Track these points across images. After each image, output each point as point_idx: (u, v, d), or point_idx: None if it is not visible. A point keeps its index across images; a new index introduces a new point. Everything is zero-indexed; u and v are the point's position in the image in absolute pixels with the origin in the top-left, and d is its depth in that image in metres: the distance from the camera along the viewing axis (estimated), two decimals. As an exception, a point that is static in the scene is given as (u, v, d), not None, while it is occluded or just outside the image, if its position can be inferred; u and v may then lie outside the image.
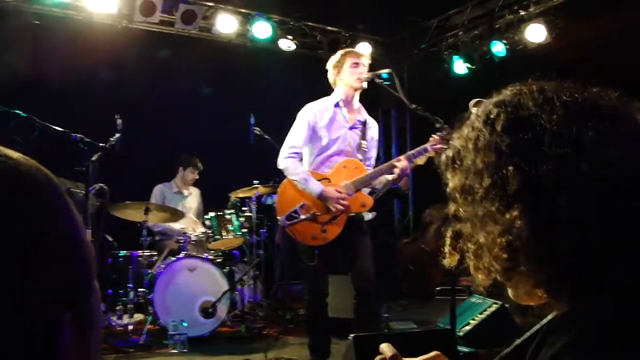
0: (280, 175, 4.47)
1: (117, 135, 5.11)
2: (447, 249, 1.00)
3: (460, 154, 0.94)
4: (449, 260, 1.01)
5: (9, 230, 0.60)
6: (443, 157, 1.00)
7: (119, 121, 5.34)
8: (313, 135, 4.29)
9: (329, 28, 8.20)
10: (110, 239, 5.94)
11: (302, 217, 4.13)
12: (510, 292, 0.93)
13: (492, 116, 0.91)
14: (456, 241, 0.97)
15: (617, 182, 0.79)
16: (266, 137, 6.10)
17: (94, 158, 4.81)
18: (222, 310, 5.54)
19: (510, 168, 0.84)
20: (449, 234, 0.99)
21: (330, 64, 4.42)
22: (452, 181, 0.96)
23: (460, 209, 0.94)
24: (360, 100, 4.45)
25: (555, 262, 0.82)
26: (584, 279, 0.81)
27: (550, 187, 0.81)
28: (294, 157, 4.24)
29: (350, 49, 4.57)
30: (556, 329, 0.82)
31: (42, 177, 0.67)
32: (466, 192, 0.92)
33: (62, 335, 0.62)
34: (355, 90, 4.33)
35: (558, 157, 0.81)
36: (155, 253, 5.97)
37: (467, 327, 4.26)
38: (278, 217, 4.25)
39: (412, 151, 4.19)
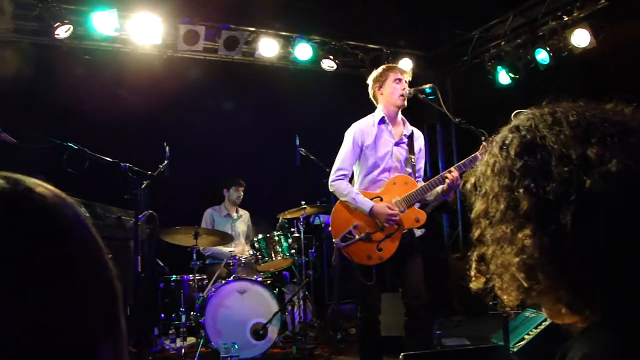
0: (327, 195, 4.48)
1: (165, 162, 5.22)
2: (472, 272, 1.03)
3: (481, 180, 0.98)
4: (475, 284, 1.04)
5: (25, 258, 0.62)
6: (468, 184, 1.03)
7: (167, 149, 5.45)
8: (361, 154, 4.30)
9: (370, 46, 8.22)
10: (161, 264, 6.04)
11: (357, 237, 4.13)
12: (544, 312, 0.95)
13: (507, 142, 0.95)
14: (480, 264, 1.01)
15: (622, 194, 0.80)
16: (312, 157, 6.13)
17: (143, 186, 4.92)
18: (273, 332, 5.55)
19: (521, 190, 0.88)
20: (474, 257, 1.02)
21: (371, 78, 4.41)
22: (475, 206, 1.00)
23: (483, 233, 0.98)
24: (405, 116, 4.44)
25: (567, 277, 0.83)
26: (597, 291, 0.81)
27: (556, 205, 0.83)
28: (343, 179, 4.26)
29: (393, 65, 4.55)
30: (575, 343, 0.82)
31: (70, 211, 0.69)
32: (486, 216, 0.96)
33: (103, 356, 0.64)
34: (398, 106, 4.32)
35: (563, 175, 0.84)
36: (206, 277, 6.05)
37: (522, 342, 4.15)
38: (333, 240, 4.25)
39: (463, 161, 4.14)
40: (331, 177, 4.29)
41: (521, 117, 0.97)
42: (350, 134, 4.33)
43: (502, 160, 0.93)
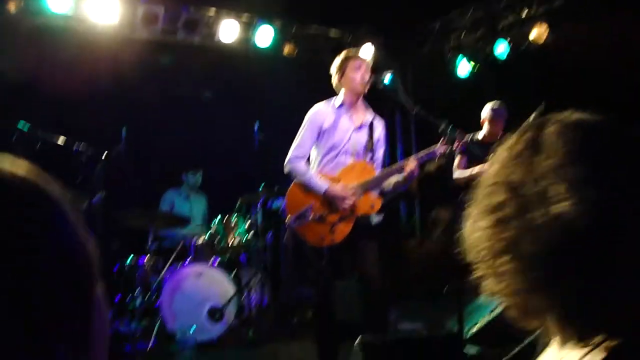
0: (285, 180, 4.49)
1: (122, 144, 5.14)
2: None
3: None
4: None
5: None
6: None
7: (123, 130, 5.37)
8: (319, 137, 4.31)
9: (331, 32, 8.20)
10: (116, 246, 5.95)
11: (310, 218, 4.15)
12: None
13: (523, 130, 0.95)
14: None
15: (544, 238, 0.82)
16: (270, 142, 6.12)
17: (98, 167, 4.84)
18: (230, 315, 5.55)
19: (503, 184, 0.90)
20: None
21: (333, 69, 4.44)
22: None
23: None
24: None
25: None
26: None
27: (507, 219, 0.87)
28: (300, 160, 4.27)
29: (352, 52, 4.55)
30: None
31: (36, 188, 0.65)
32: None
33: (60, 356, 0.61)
34: (358, 94, 4.34)
35: (525, 195, 0.85)
36: (161, 259, 5.98)
37: (475, 328, 4.25)
38: (286, 219, 4.27)
39: (421, 153, 4.20)
40: (287, 158, 4.30)
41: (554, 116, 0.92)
42: (309, 116, 4.35)
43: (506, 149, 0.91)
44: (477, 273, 0.93)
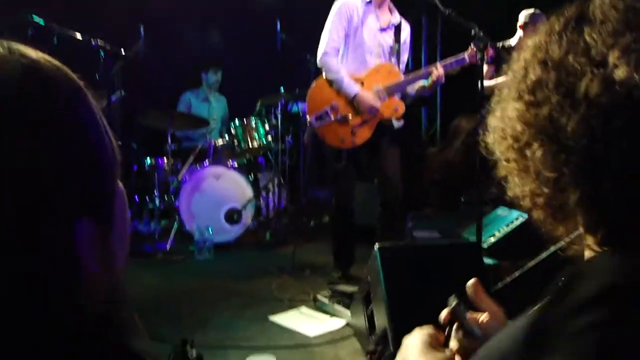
0: (306, 82, 4.37)
1: (140, 42, 5.01)
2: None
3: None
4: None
5: (18, 126, 0.56)
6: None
7: (142, 28, 5.22)
8: (347, 32, 4.15)
9: None
10: (135, 146, 5.95)
11: (332, 118, 4.06)
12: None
13: (567, 10, 0.80)
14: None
15: (610, 103, 0.66)
16: (292, 43, 5.97)
17: (116, 65, 4.74)
18: (247, 217, 5.60)
19: (536, 61, 0.76)
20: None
21: None
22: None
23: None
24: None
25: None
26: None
27: (547, 93, 0.72)
28: (332, 55, 4.11)
29: None
30: (588, 271, 0.69)
31: (60, 75, 0.64)
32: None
33: (82, 238, 0.60)
34: None
35: (574, 65, 0.71)
36: (180, 160, 5.99)
37: (492, 239, 4.23)
38: (307, 117, 4.18)
39: (449, 60, 4.05)
40: (321, 51, 4.11)
41: None
42: (338, 7, 4.15)
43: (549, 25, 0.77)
44: (501, 172, 0.80)
